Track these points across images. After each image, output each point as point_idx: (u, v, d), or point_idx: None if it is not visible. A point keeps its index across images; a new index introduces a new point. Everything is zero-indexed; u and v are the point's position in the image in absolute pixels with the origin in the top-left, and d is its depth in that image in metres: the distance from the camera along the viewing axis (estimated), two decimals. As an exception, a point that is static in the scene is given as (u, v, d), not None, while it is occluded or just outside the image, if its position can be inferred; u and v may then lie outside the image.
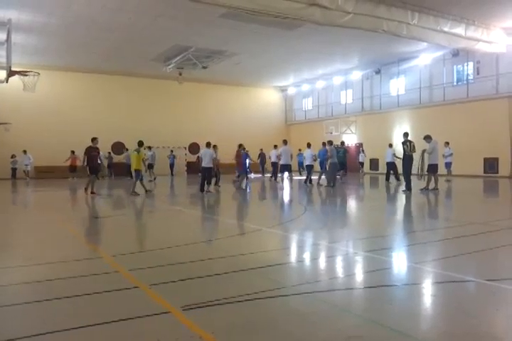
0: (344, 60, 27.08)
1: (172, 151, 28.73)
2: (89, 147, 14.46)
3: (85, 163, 14.22)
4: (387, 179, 18.71)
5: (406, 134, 14.64)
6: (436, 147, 14.09)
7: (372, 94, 29.84)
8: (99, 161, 15.39)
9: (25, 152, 25.27)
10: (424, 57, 25.29)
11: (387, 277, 4.53)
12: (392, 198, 13.87)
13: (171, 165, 28.79)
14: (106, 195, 14.57)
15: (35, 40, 21.39)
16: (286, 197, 14.13)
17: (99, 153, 14.91)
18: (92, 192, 14.30)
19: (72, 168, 24.70)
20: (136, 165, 14.43)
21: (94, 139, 14.61)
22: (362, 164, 27.44)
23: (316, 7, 14.35)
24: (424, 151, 13.94)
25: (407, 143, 14.23)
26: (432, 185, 14.07)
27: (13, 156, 25.35)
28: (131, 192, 14.25)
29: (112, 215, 10.37)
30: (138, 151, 14.57)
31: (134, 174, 14.82)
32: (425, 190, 13.86)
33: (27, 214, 10.86)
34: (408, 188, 13.99)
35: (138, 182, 14.44)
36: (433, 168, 13.96)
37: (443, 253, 5.62)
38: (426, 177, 14.20)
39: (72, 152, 24.68)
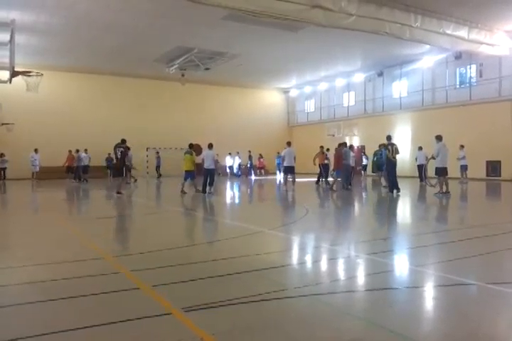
0: (347, 62, 27.08)
1: (158, 152, 28.37)
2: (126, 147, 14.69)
3: (128, 163, 14.94)
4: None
5: (389, 137, 14.73)
6: (443, 149, 13.66)
7: (375, 97, 29.82)
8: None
9: (36, 151, 24.05)
10: (427, 60, 25.28)
11: (389, 280, 4.52)
12: (399, 201, 13.83)
13: (157, 167, 28.34)
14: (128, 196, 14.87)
15: (38, 40, 21.44)
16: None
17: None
18: (118, 192, 14.39)
19: (70, 169, 23.65)
20: (189, 166, 15.17)
21: (124, 141, 14.70)
22: (365, 167, 27.20)
23: (319, 9, 14.36)
24: (432, 156, 13.82)
25: (388, 147, 14.25)
26: (437, 189, 13.88)
27: (1, 155, 23.58)
28: (181, 191, 14.90)
29: (116, 216, 10.38)
30: (190, 153, 15.32)
31: (184, 174, 15.48)
32: (443, 193, 13.53)
33: (33, 215, 10.88)
34: (391, 190, 14.13)
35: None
36: (439, 171, 13.67)
37: (444, 256, 5.60)
38: (436, 182, 14.02)
39: (70, 151, 23.82)
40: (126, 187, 15.05)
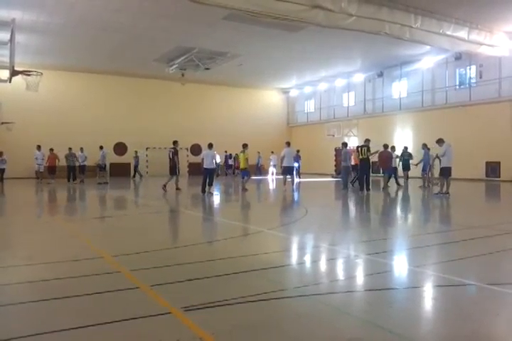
0: (347, 62, 27.08)
1: (136, 152, 27.84)
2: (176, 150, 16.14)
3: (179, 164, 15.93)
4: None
5: (366, 140, 15.93)
6: (449, 150, 13.68)
7: (375, 97, 29.83)
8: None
9: (39, 148, 22.61)
10: (427, 61, 25.28)
11: (388, 280, 4.53)
12: (400, 201, 13.84)
13: (135, 167, 27.97)
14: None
15: (39, 40, 21.43)
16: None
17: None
18: (176, 188, 16.02)
19: (51, 169, 21.93)
20: (243, 164, 16.43)
21: (176, 142, 16.27)
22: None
23: (319, 9, 14.36)
24: (437, 156, 13.85)
25: (358, 149, 15.56)
26: (442, 189, 13.82)
27: (1, 154, 22.07)
28: (242, 189, 16.13)
29: (115, 215, 10.37)
30: (243, 152, 16.32)
31: (241, 172, 16.84)
32: (443, 194, 13.54)
33: (32, 216, 10.86)
34: (361, 188, 15.17)
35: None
36: (444, 172, 13.65)
37: (444, 256, 5.60)
38: (439, 182, 13.99)
39: (51, 150, 22.33)
40: (171, 184, 16.11)
